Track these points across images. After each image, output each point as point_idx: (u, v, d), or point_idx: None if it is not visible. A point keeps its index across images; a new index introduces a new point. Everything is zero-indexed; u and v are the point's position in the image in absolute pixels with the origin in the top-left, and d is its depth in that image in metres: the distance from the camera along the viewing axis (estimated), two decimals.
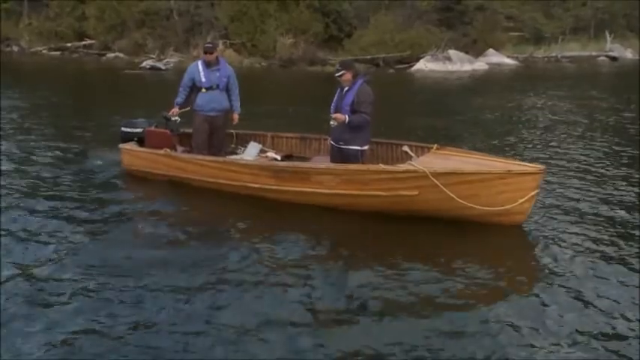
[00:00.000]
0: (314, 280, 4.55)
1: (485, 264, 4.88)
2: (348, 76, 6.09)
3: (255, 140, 7.68)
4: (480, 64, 24.11)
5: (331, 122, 6.08)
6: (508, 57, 26.34)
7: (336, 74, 6.13)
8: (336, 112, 6.10)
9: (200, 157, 6.80)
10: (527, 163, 5.85)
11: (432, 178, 5.52)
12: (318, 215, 5.91)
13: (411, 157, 6.52)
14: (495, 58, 25.69)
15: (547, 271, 4.80)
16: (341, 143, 6.22)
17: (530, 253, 5.31)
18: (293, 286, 4.47)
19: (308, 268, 4.77)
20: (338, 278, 4.66)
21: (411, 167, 5.71)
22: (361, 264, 4.91)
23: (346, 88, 6.13)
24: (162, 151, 6.97)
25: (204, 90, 7.13)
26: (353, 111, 6.01)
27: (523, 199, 5.48)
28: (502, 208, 5.50)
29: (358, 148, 6.20)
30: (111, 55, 26.88)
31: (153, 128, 7.39)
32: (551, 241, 5.37)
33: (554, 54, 28.23)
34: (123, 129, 7.49)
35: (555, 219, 5.91)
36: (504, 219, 5.57)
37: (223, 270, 4.72)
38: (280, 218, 5.94)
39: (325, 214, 5.92)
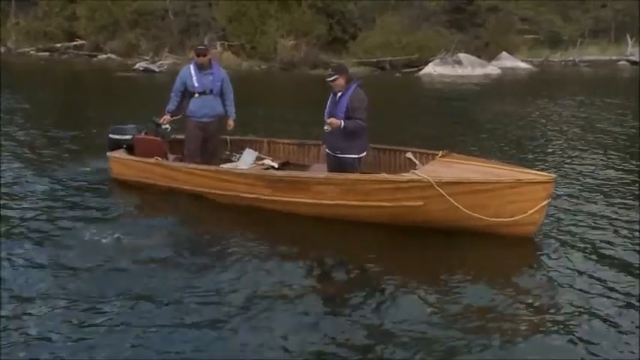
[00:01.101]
0: (315, 304, 4.53)
1: (494, 281, 4.89)
2: (341, 81, 6.14)
3: (250, 147, 7.73)
4: (493, 69, 24.19)
5: (325, 127, 6.13)
6: (522, 61, 26.42)
7: (328, 79, 6.17)
8: (330, 118, 6.14)
9: (192, 165, 6.85)
10: (537, 172, 5.88)
11: (438, 188, 5.56)
12: (316, 227, 5.94)
13: (415, 164, 6.57)
14: (509, 62, 25.76)
15: (559, 286, 4.81)
16: (338, 152, 6.27)
17: (540, 268, 5.31)
18: (292, 304, 4.49)
19: (308, 288, 4.75)
20: (341, 303, 4.65)
21: (415, 176, 5.74)
22: (369, 281, 4.91)
23: (339, 94, 6.18)
24: (152, 160, 7.02)
25: (196, 95, 7.14)
26: (348, 117, 6.06)
27: (533, 210, 5.51)
28: (511, 219, 5.53)
29: (355, 156, 6.24)
30: (102, 56, 27.12)
31: (142, 135, 7.43)
32: (564, 255, 5.38)
33: (571, 58, 28.30)
34: (111, 136, 7.53)
35: (568, 231, 5.92)
36: (514, 230, 5.59)
37: (216, 291, 4.68)
38: (276, 230, 5.97)
39: (324, 226, 5.95)
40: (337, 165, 6.30)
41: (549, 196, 5.62)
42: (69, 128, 11.07)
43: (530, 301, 4.57)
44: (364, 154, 6.36)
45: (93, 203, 6.67)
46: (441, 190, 5.55)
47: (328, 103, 6.33)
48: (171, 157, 7.41)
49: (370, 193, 5.88)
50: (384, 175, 5.98)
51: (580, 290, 4.70)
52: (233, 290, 4.67)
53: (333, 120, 6.05)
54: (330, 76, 6.15)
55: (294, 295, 4.60)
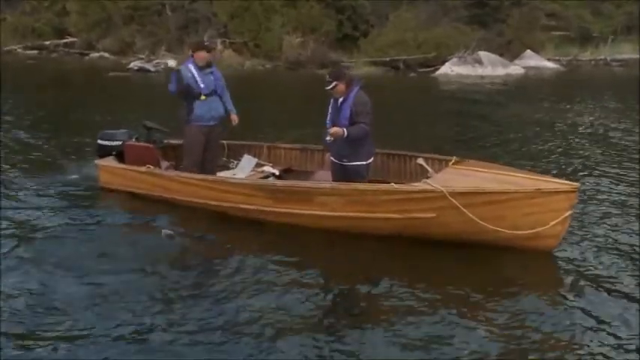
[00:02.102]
0: (320, 323, 4.58)
1: (514, 303, 4.88)
2: (341, 87, 6.15)
3: (249, 152, 7.76)
4: (516, 68, 24.16)
5: (327, 138, 6.15)
6: (549, 60, 26.37)
7: (328, 87, 6.16)
8: (333, 126, 6.15)
9: (187, 175, 6.88)
10: (559, 180, 5.86)
11: (451, 199, 5.56)
12: (319, 239, 5.98)
13: (427, 171, 6.58)
14: (534, 60, 25.73)
15: (585, 306, 4.79)
16: (344, 160, 6.30)
17: (563, 285, 5.30)
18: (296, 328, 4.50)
19: (312, 307, 4.78)
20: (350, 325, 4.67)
21: (427, 186, 5.75)
22: (379, 300, 4.94)
23: (341, 100, 6.20)
24: (143, 168, 7.06)
25: (203, 97, 7.02)
26: (352, 123, 6.08)
27: (555, 222, 5.50)
28: (531, 231, 5.53)
29: (363, 162, 6.28)
30: (95, 54, 27.35)
31: (133, 142, 7.47)
32: (589, 271, 5.36)
33: (602, 57, 28.21)
34: (99, 142, 7.59)
35: (590, 247, 5.90)
36: (534, 243, 5.59)
37: (215, 311, 4.71)
38: (277, 242, 5.99)
39: (327, 238, 5.98)
40: (344, 173, 6.32)
41: (572, 207, 5.61)
42: (55, 133, 11.18)
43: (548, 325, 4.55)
44: (372, 159, 6.39)
45: (77, 216, 6.69)
46: (454, 201, 5.55)
47: (329, 109, 6.36)
48: (164, 164, 7.44)
49: (378, 204, 5.89)
50: (393, 185, 5.98)
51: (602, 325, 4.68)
52: (229, 311, 4.69)
53: (335, 130, 6.06)
54: (329, 83, 6.15)
55: (297, 315, 4.62)
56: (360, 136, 6.10)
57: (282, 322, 4.51)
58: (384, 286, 5.11)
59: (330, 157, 6.56)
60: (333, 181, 6.44)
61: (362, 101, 6.15)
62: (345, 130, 6.04)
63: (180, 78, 6.93)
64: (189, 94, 6.99)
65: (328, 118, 6.33)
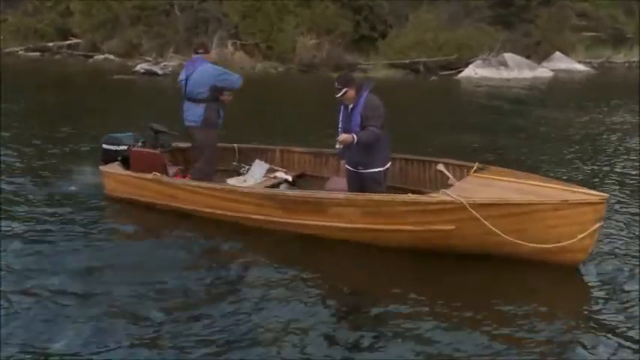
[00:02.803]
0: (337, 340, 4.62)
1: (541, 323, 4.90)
2: (351, 92, 6.23)
3: (261, 156, 7.82)
4: (543, 71, 24.12)
5: (337, 146, 6.22)
6: (579, 62, 26.33)
7: (338, 95, 6.24)
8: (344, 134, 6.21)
9: (195, 183, 6.96)
10: (587, 190, 5.85)
11: (472, 210, 5.58)
12: (333, 250, 6.05)
13: (447, 177, 6.61)
14: (563, 63, 25.69)
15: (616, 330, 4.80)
16: (359, 167, 6.37)
17: (592, 304, 5.31)
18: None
19: (326, 322, 4.84)
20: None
21: (446, 197, 5.77)
22: (398, 316, 4.97)
23: (351, 106, 6.27)
24: (150, 176, 7.14)
25: (228, 94, 7.41)
26: (363, 129, 6.15)
27: (583, 234, 5.51)
28: (557, 244, 5.54)
29: (380, 169, 6.34)
30: (99, 56, 27.60)
31: (139, 147, 7.55)
32: (618, 286, 5.36)
33: (636, 59, 28.09)
34: (104, 146, 7.68)
35: (619, 261, 5.90)
36: (560, 257, 5.60)
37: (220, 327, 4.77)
38: (290, 253, 6.07)
39: (342, 249, 6.05)
40: (360, 181, 6.39)
41: (601, 219, 5.60)
42: (59, 137, 11.32)
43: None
44: (388, 165, 6.45)
45: (81, 225, 6.77)
46: (475, 213, 5.57)
47: (340, 116, 6.43)
48: (171, 169, 7.53)
49: (395, 215, 5.93)
50: (410, 196, 6.03)
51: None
52: (238, 326, 4.75)
53: (344, 137, 6.12)
54: (339, 90, 6.22)
55: (310, 330, 4.67)
56: (370, 141, 6.15)
57: (296, 332, 4.58)
58: (402, 298, 5.17)
59: (345, 165, 6.62)
60: (349, 189, 6.51)
61: (372, 105, 6.22)
62: (354, 135, 6.09)
63: None
64: (212, 94, 7.28)
65: (339, 125, 6.40)
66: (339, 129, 6.36)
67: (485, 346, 4.45)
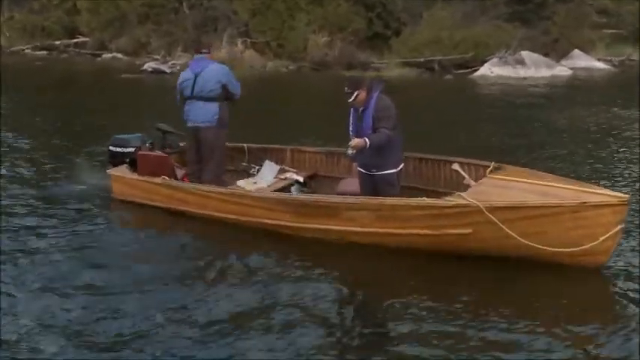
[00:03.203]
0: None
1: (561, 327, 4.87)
2: (362, 95, 6.21)
3: (271, 156, 7.82)
4: (562, 69, 23.98)
5: (349, 152, 6.19)
6: (599, 60, 26.11)
7: (350, 99, 6.22)
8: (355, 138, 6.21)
9: (204, 187, 6.98)
10: (608, 191, 5.83)
11: (488, 214, 5.57)
12: (346, 253, 6.07)
13: (463, 177, 6.59)
14: (582, 61, 25.50)
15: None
16: (372, 170, 6.36)
17: (615, 307, 5.28)
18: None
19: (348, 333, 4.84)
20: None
21: (461, 201, 5.76)
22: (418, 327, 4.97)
23: (361, 108, 6.26)
24: (159, 180, 7.16)
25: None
26: (375, 131, 6.14)
27: (605, 237, 5.48)
28: (577, 248, 5.52)
29: (393, 170, 6.34)
30: (107, 55, 27.73)
31: (147, 150, 7.57)
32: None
33: None
34: (111, 148, 7.71)
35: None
36: (581, 260, 5.59)
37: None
38: (302, 256, 6.08)
39: (356, 252, 6.06)
40: (373, 184, 6.39)
41: (622, 221, 5.56)
42: (65, 138, 11.40)
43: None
44: (402, 166, 6.45)
45: (87, 231, 6.79)
46: (491, 217, 5.56)
47: (350, 119, 6.43)
48: (179, 171, 7.55)
49: (410, 219, 5.94)
50: (425, 200, 6.03)
51: None
52: (252, 327, 4.77)
53: (356, 142, 6.11)
54: (350, 95, 6.20)
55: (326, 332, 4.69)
56: (383, 143, 6.14)
57: (307, 334, 4.65)
58: (416, 301, 5.21)
59: (357, 168, 6.60)
60: (361, 191, 6.51)
61: (383, 106, 6.20)
62: (366, 140, 6.08)
63: None
64: (222, 95, 7.33)
65: (351, 128, 6.40)
66: (351, 132, 6.36)
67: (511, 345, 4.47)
